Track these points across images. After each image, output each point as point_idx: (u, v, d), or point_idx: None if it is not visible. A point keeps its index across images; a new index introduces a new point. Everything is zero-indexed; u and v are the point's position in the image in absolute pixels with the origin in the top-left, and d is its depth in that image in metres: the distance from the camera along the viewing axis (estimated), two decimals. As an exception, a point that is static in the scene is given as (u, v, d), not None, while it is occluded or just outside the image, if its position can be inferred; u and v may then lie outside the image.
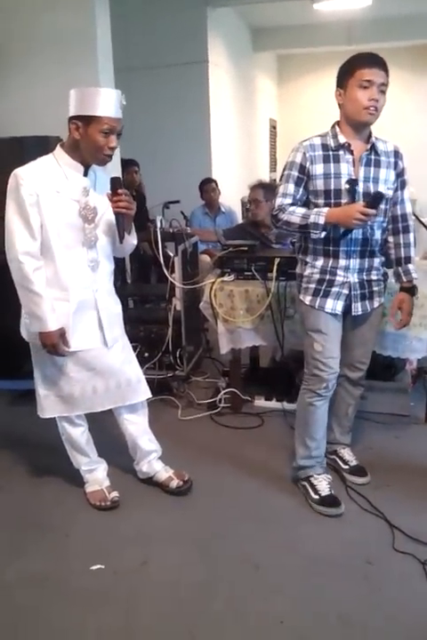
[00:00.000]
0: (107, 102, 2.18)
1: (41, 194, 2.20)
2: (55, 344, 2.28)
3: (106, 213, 2.33)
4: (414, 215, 3.19)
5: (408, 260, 2.55)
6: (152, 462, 2.72)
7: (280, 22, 8.64)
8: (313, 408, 2.56)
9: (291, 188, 2.42)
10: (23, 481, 2.86)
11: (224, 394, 3.52)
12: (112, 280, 2.51)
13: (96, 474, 2.67)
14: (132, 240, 2.48)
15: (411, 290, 2.59)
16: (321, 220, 2.32)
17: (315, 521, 2.49)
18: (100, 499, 2.60)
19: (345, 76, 2.34)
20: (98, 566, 2.26)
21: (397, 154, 2.47)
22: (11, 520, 2.58)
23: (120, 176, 2.28)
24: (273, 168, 10.76)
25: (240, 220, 7.60)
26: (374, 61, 2.30)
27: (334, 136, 2.40)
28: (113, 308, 2.49)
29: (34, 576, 2.23)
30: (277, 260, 3.19)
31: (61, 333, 2.29)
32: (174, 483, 2.67)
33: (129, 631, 1.98)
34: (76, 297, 2.32)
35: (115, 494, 2.61)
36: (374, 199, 2.32)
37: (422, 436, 2.97)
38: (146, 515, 2.49)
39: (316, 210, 2.36)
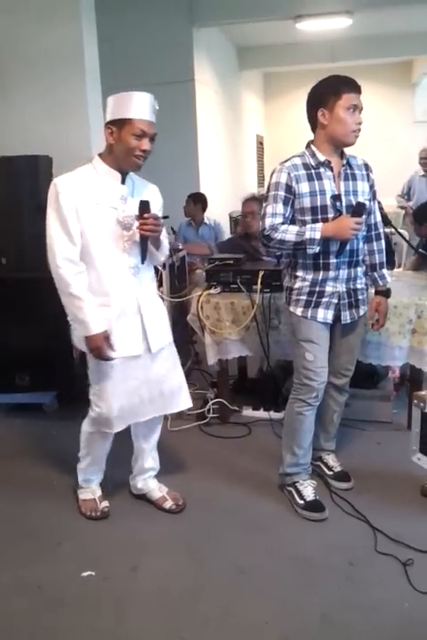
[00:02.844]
0: (139, 105, 2.21)
1: (79, 203, 2.23)
2: (100, 347, 2.27)
3: None
4: (393, 227, 3.32)
5: (382, 265, 2.69)
6: (147, 480, 2.75)
7: (265, 41, 8.83)
8: (303, 417, 2.62)
9: (280, 207, 2.48)
10: (16, 492, 2.90)
11: (212, 404, 3.59)
12: (154, 285, 2.53)
13: (92, 483, 2.69)
14: (160, 257, 2.49)
15: (386, 293, 2.74)
16: (317, 236, 2.40)
17: (299, 525, 2.56)
18: (91, 508, 2.62)
19: (330, 97, 2.41)
20: (88, 573, 2.31)
21: (367, 167, 2.61)
22: (4, 529, 2.62)
23: (149, 200, 2.33)
24: (261, 183, 10.91)
25: (228, 234, 7.71)
26: (356, 87, 2.44)
27: (313, 155, 2.49)
28: (158, 314, 2.47)
29: (26, 583, 2.28)
30: (261, 273, 3.29)
31: (106, 336, 2.28)
32: (168, 504, 2.68)
33: (119, 636, 2.03)
34: (119, 302, 2.33)
35: (105, 504, 2.63)
36: (358, 209, 2.43)
37: (404, 442, 3.03)
38: (135, 522, 2.55)
39: (310, 226, 2.43)
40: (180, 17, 6.65)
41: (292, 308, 2.59)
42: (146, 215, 2.28)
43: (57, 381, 3.81)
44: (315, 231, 2.41)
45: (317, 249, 2.43)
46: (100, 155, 2.35)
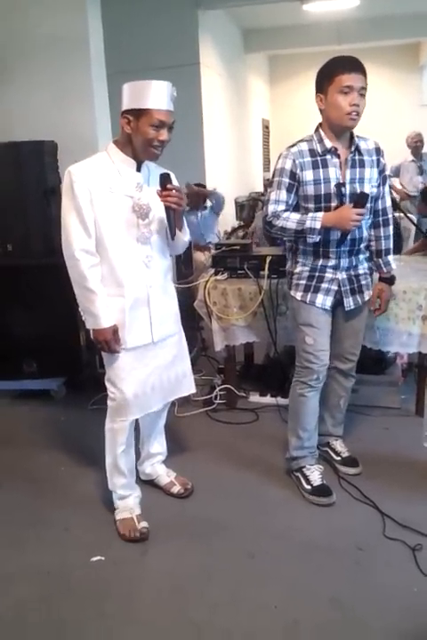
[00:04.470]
0: (158, 95, 2.15)
1: (94, 191, 2.19)
2: (108, 341, 2.26)
3: (160, 209, 2.30)
4: (402, 211, 3.29)
5: (388, 251, 2.66)
6: (155, 465, 2.76)
7: (271, 23, 8.73)
8: (304, 399, 2.63)
9: (283, 194, 2.47)
10: (23, 478, 2.92)
11: (219, 390, 3.60)
12: (169, 276, 2.48)
13: (128, 501, 2.52)
14: (184, 237, 2.43)
15: (390, 280, 2.72)
16: (317, 225, 2.39)
17: (308, 510, 2.57)
18: (130, 528, 2.43)
19: (325, 81, 2.38)
20: (98, 558, 2.32)
21: (378, 151, 2.55)
22: (12, 516, 2.64)
23: (170, 173, 2.29)
24: (266, 168, 10.84)
25: (233, 219, 7.67)
26: (353, 66, 2.34)
27: (320, 141, 2.45)
28: (166, 305, 2.44)
29: (35, 569, 2.30)
30: (268, 259, 3.27)
31: (114, 330, 2.27)
32: (176, 489, 2.69)
33: (129, 620, 2.04)
34: (132, 293, 2.30)
35: (144, 525, 2.44)
36: (360, 199, 2.40)
37: (412, 428, 3.04)
38: (144, 507, 2.55)
39: (311, 215, 2.42)
40: (185, 0, 6.57)
41: (292, 293, 2.61)
42: (169, 186, 2.24)
43: (64, 368, 3.82)
44: (315, 220, 2.40)
45: (317, 238, 2.43)
46: (115, 142, 2.30)
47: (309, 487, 2.63)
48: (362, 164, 2.48)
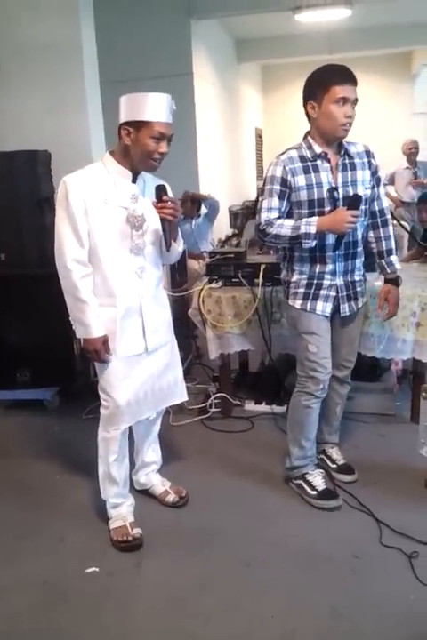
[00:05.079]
0: (158, 107, 2.16)
1: (88, 201, 2.20)
2: (98, 350, 2.26)
3: (154, 220, 2.31)
4: (394, 218, 3.30)
5: (390, 251, 2.65)
6: (150, 474, 2.75)
7: (263, 33, 8.80)
8: (310, 410, 2.61)
9: (275, 201, 2.46)
10: (17, 488, 2.90)
11: (214, 399, 3.58)
12: (161, 286, 2.49)
13: (121, 509, 2.50)
14: (178, 247, 2.45)
15: (395, 280, 2.69)
16: (312, 230, 2.38)
17: (304, 518, 2.56)
18: (122, 533, 2.42)
19: (318, 90, 2.36)
20: (92, 569, 2.30)
21: (368, 153, 2.55)
22: (6, 526, 2.61)
23: (166, 184, 2.31)
24: (260, 176, 10.88)
25: (227, 228, 7.69)
26: (348, 77, 2.34)
27: (309, 147, 2.45)
28: (159, 314, 2.44)
29: (30, 579, 2.28)
30: (262, 267, 3.27)
31: (104, 340, 2.27)
32: (171, 497, 2.68)
33: (124, 631, 2.02)
34: (123, 303, 2.31)
35: (137, 531, 2.43)
36: (353, 201, 2.40)
37: (408, 435, 3.03)
38: (138, 517, 2.53)
39: (305, 220, 2.41)
40: (178, 9, 6.63)
41: (291, 302, 2.59)
42: (165, 198, 2.25)
43: (58, 377, 3.80)
44: (310, 225, 2.38)
45: (312, 243, 2.41)
46: (111, 153, 2.30)
47: (314, 492, 2.62)
48: (353, 167, 2.48)
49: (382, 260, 2.66)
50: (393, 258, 2.66)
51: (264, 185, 2.51)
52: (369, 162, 2.54)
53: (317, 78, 2.40)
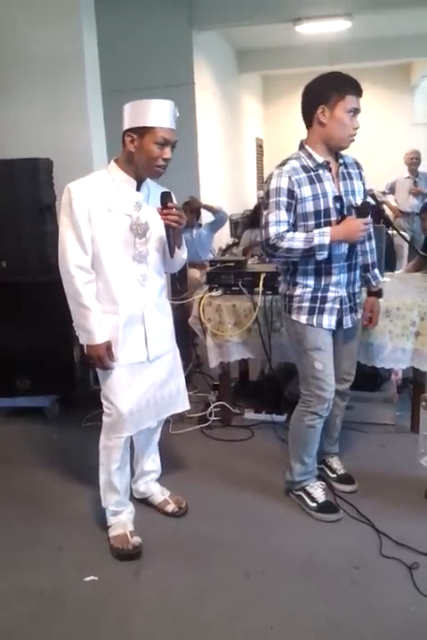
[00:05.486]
0: (161, 113, 2.17)
1: (92, 208, 2.20)
2: (101, 357, 2.26)
3: (157, 228, 2.31)
4: (395, 228, 3.31)
5: (374, 265, 2.68)
6: (149, 483, 2.74)
7: (264, 44, 8.84)
8: (314, 430, 2.57)
9: (283, 214, 2.36)
10: (16, 497, 2.88)
11: (214, 407, 3.58)
12: (164, 294, 2.48)
13: (121, 516, 2.49)
14: (182, 254, 2.43)
15: (379, 293, 2.73)
16: (327, 241, 2.31)
17: (304, 528, 2.54)
18: (122, 542, 2.41)
19: (333, 95, 2.31)
20: (91, 578, 2.29)
21: (358, 165, 2.56)
22: (4, 535, 2.60)
23: (170, 191, 2.30)
24: (260, 187, 10.91)
25: (228, 237, 7.69)
26: (360, 90, 2.35)
27: (309, 156, 2.40)
28: (161, 323, 2.44)
29: (28, 588, 2.26)
30: (263, 275, 3.27)
31: (108, 347, 2.27)
32: (170, 507, 2.67)
33: (123, 640, 2.01)
34: (126, 311, 2.30)
35: (137, 539, 2.42)
36: (363, 209, 2.39)
37: (408, 445, 3.03)
38: (138, 526, 2.52)
39: (318, 231, 2.33)
40: (179, 20, 6.65)
41: (294, 317, 2.50)
42: (170, 204, 2.25)
43: (58, 385, 3.79)
44: (324, 236, 2.31)
45: (326, 254, 2.35)
46: (116, 160, 2.31)
47: (314, 504, 2.60)
48: (350, 177, 2.48)
49: (368, 274, 2.67)
50: (377, 271, 2.69)
51: (268, 197, 2.39)
52: (360, 173, 2.54)
53: (331, 83, 2.34)
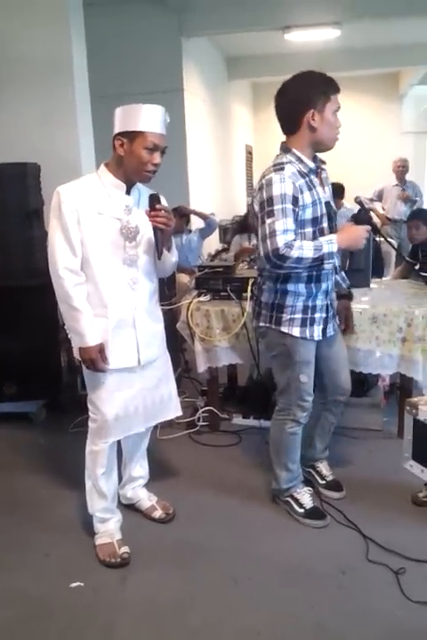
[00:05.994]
0: (151, 118, 2.18)
1: (81, 212, 2.20)
2: (94, 359, 2.24)
3: (148, 232, 2.31)
4: (382, 236, 3.33)
5: (342, 267, 2.69)
6: (137, 489, 2.73)
7: (254, 51, 8.88)
8: (295, 436, 2.57)
9: (290, 222, 2.22)
10: (3, 502, 2.86)
11: (202, 412, 3.58)
12: (155, 298, 2.47)
13: (108, 524, 2.47)
14: (171, 258, 2.42)
15: (350, 295, 2.74)
16: (335, 248, 2.24)
17: (291, 534, 2.54)
18: (110, 554, 2.38)
19: (320, 98, 2.25)
20: (77, 584, 2.27)
21: (324, 169, 2.50)
22: (-11, 541, 2.58)
23: (159, 193, 2.30)
24: (250, 193, 10.94)
25: (217, 243, 7.70)
26: (339, 87, 2.32)
27: (300, 161, 2.32)
28: (152, 327, 2.43)
29: (14, 594, 2.24)
30: (251, 281, 3.28)
31: (100, 349, 2.26)
32: (157, 513, 2.66)
33: (108, 647, 2.00)
34: (116, 314, 2.29)
35: (125, 549, 2.39)
36: (363, 217, 2.42)
37: (395, 451, 3.03)
38: (125, 532, 2.50)
39: (325, 239, 2.26)
40: (169, 26, 6.67)
41: (285, 329, 2.40)
42: (158, 206, 2.25)
43: (45, 390, 3.77)
44: (332, 244, 2.23)
45: (334, 262, 2.32)
46: (106, 164, 2.31)
47: (301, 510, 2.60)
48: (327, 182, 2.47)
49: (336, 276, 2.63)
50: (343, 273, 2.69)
51: (272, 205, 2.22)
52: (327, 177, 2.49)
53: (317, 86, 2.29)
